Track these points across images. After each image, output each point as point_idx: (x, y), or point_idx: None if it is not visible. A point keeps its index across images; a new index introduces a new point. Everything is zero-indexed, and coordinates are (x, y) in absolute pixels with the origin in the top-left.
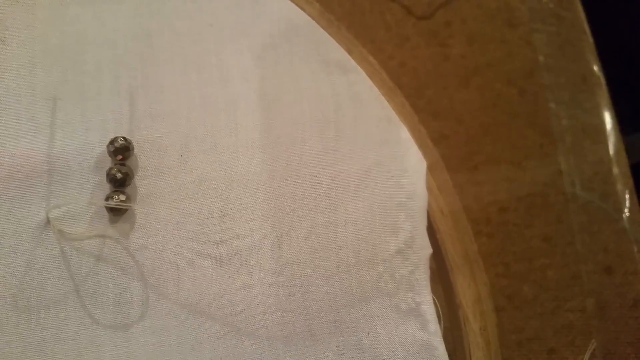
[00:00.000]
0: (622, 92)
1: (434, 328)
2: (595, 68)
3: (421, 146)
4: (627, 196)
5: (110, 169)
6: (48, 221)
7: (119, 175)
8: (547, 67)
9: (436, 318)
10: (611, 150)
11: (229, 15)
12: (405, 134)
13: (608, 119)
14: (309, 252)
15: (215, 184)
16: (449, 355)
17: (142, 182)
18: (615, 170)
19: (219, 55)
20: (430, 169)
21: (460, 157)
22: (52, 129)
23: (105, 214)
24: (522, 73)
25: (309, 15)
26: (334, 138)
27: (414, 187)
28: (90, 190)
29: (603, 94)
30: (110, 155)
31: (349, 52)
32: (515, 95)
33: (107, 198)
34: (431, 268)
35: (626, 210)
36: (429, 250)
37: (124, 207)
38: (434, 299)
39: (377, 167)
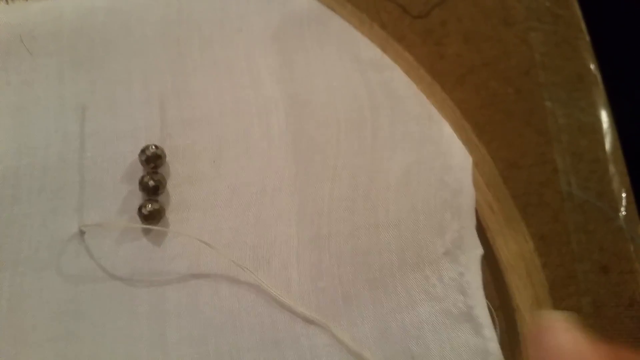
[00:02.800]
0: (618, 90)
1: (489, 333)
2: (592, 66)
3: (466, 142)
4: (623, 195)
5: (143, 177)
6: (81, 233)
7: (151, 183)
8: (543, 65)
9: (491, 322)
10: (607, 149)
11: (258, 20)
12: (447, 129)
13: (604, 117)
14: (350, 256)
15: (249, 190)
16: None
17: (175, 190)
18: (612, 169)
19: (249, 60)
20: (477, 164)
21: None
22: (82, 139)
23: (139, 222)
24: (518, 72)
25: (341, 15)
26: (370, 137)
27: (459, 184)
28: (123, 199)
29: (599, 93)
30: (142, 164)
31: (384, 49)
32: (512, 94)
33: (141, 207)
34: (483, 269)
35: (622, 209)
36: (479, 250)
37: (156, 227)
38: (487, 303)
39: (419, 165)
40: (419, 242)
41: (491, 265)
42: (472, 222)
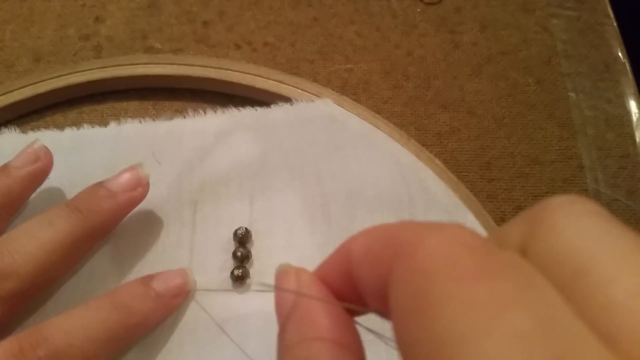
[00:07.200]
0: None
1: None
2: (620, 54)
3: (487, 228)
4: None
5: (235, 250)
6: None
7: (241, 253)
8: (566, 54)
9: None
10: (638, 143)
11: (324, 137)
12: (471, 217)
13: (634, 108)
14: None
15: (312, 261)
16: None
17: (257, 261)
18: None
19: (316, 165)
20: None
21: (472, 151)
22: (194, 225)
23: (231, 283)
24: (539, 61)
25: (385, 131)
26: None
27: None
28: (220, 266)
29: (628, 82)
30: (235, 240)
31: (418, 156)
32: (532, 85)
33: (232, 270)
34: None
35: None
36: None
37: (244, 283)
38: None
39: None
40: None
41: None
42: None
